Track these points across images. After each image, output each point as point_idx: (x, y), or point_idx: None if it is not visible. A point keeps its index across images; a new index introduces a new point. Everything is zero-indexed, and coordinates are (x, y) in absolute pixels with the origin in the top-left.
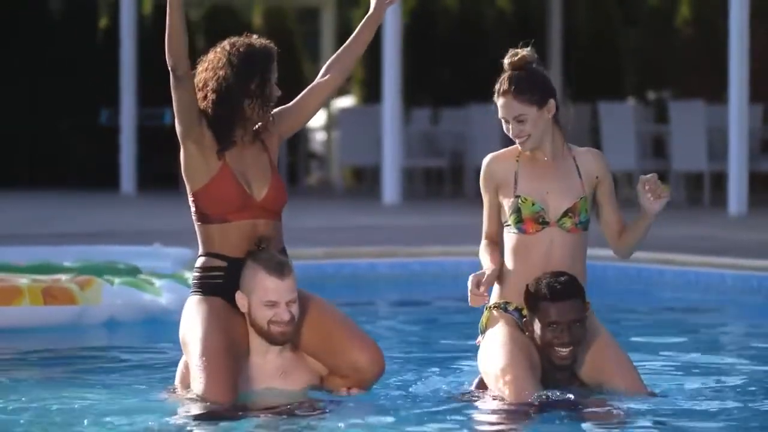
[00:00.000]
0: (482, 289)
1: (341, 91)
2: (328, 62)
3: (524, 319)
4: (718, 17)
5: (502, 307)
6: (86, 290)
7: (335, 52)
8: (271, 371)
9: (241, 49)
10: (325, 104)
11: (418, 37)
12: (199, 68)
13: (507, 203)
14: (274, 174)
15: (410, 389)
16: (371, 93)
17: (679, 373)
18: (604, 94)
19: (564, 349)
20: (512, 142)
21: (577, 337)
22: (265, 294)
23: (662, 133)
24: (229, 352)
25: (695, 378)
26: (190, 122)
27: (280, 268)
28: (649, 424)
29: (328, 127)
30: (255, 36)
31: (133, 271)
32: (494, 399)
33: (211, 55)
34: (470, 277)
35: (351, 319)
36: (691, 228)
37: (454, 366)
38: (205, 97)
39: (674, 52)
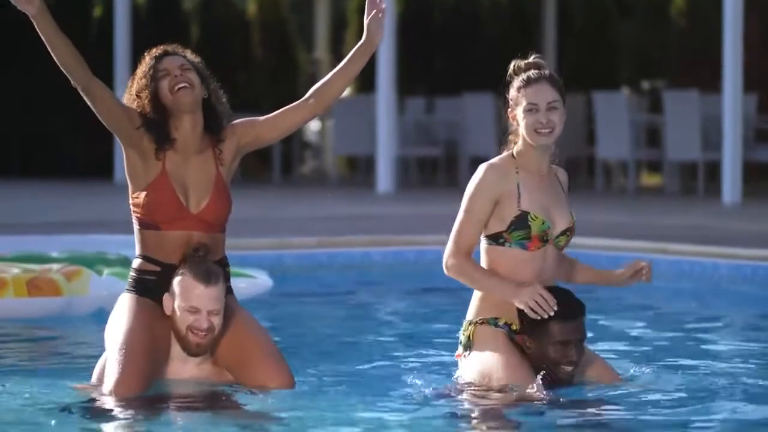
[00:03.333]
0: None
1: None
2: (316, 86)
3: (522, 336)
4: (713, 7)
5: (491, 322)
6: (73, 281)
7: (328, 42)
8: (188, 380)
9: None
10: (298, 128)
11: (413, 26)
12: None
13: (506, 216)
14: (218, 186)
15: (400, 378)
16: (365, 82)
17: (673, 361)
18: (599, 83)
19: (569, 367)
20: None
21: (582, 354)
22: (189, 299)
23: (657, 123)
24: (148, 350)
25: (688, 367)
26: (117, 129)
27: (207, 275)
28: (639, 413)
29: (323, 116)
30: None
31: (124, 262)
32: (477, 395)
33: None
34: (540, 295)
35: (272, 341)
36: (685, 217)
37: (446, 356)
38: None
39: (669, 41)
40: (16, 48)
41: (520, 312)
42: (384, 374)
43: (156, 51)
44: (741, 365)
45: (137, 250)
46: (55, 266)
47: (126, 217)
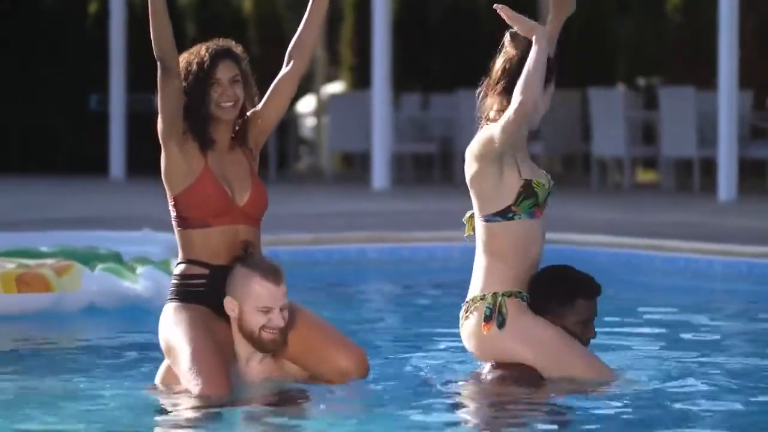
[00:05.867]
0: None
1: (331, 78)
2: (291, 46)
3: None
4: (709, 4)
5: (518, 295)
6: (64, 276)
7: (324, 38)
8: (253, 378)
9: (211, 47)
10: (294, 94)
11: (408, 23)
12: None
13: (509, 190)
14: (255, 180)
15: (399, 375)
16: (361, 79)
17: (668, 358)
18: (594, 80)
19: (587, 345)
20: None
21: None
22: (260, 299)
23: (652, 120)
24: (218, 352)
25: (683, 364)
26: (174, 120)
27: (275, 273)
28: (637, 409)
29: (318, 112)
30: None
31: (115, 257)
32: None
33: (194, 48)
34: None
35: (334, 325)
36: (680, 214)
37: (445, 351)
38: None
39: (664, 38)
40: (15, 43)
41: (542, 292)
42: (383, 372)
43: (214, 49)
44: (735, 361)
45: (180, 256)
46: (48, 261)
47: (120, 214)
